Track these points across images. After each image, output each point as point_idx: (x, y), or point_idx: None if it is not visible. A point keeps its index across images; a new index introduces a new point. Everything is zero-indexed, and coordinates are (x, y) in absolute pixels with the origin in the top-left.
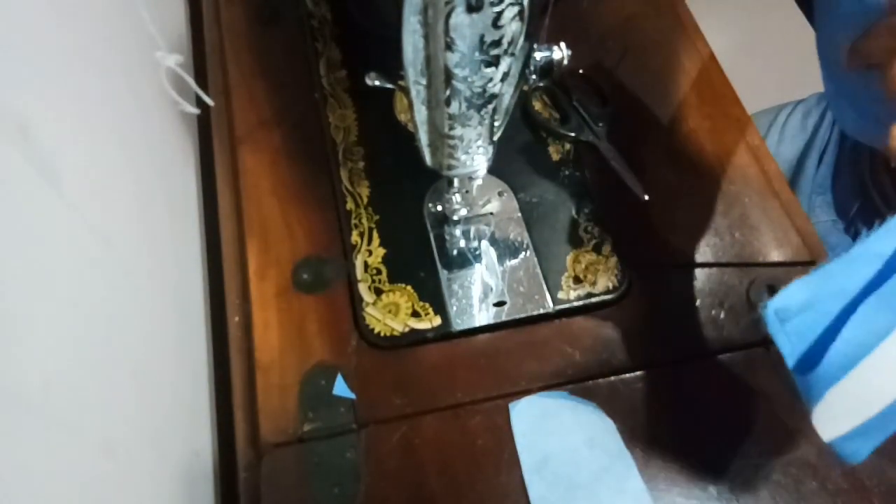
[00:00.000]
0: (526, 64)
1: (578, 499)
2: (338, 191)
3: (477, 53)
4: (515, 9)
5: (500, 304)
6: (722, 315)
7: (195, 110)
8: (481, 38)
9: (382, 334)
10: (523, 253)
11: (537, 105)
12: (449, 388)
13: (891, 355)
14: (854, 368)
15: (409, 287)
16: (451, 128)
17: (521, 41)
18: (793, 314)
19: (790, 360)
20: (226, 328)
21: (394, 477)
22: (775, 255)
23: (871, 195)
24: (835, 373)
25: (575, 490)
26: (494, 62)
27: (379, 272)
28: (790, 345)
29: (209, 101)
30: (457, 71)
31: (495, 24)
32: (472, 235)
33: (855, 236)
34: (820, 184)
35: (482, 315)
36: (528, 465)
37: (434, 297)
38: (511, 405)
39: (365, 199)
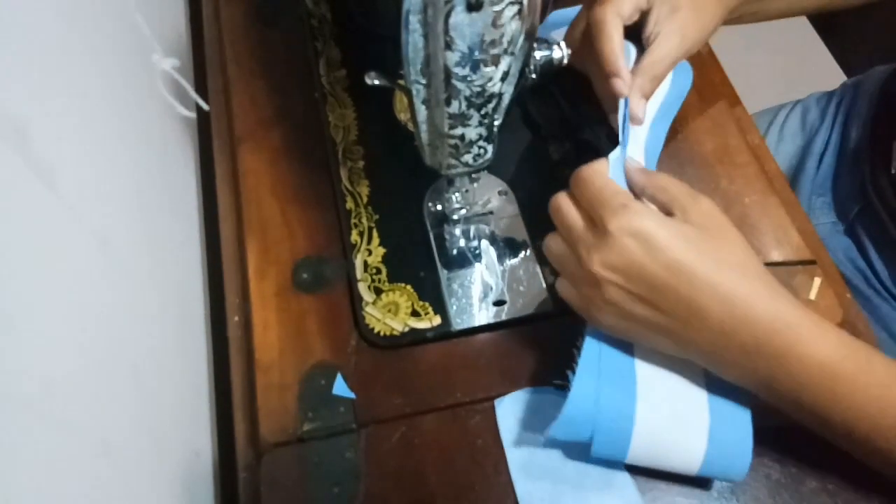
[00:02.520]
0: (526, 63)
1: (565, 494)
2: (337, 190)
3: (477, 53)
4: (515, 8)
5: (499, 303)
6: None
7: (191, 114)
8: (481, 37)
9: (382, 334)
10: (523, 252)
11: (537, 105)
12: (449, 387)
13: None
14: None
15: (408, 286)
16: (451, 127)
17: (520, 40)
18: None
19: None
20: (226, 328)
21: (394, 477)
22: (775, 255)
23: (871, 199)
24: (620, 446)
25: (561, 485)
26: (494, 61)
27: (379, 272)
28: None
29: (205, 105)
30: (457, 70)
31: (495, 23)
32: (471, 235)
33: (855, 239)
34: (820, 185)
35: (482, 315)
36: (514, 461)
37: (434, 296)
38: (497, 402)
39: (365, 199)
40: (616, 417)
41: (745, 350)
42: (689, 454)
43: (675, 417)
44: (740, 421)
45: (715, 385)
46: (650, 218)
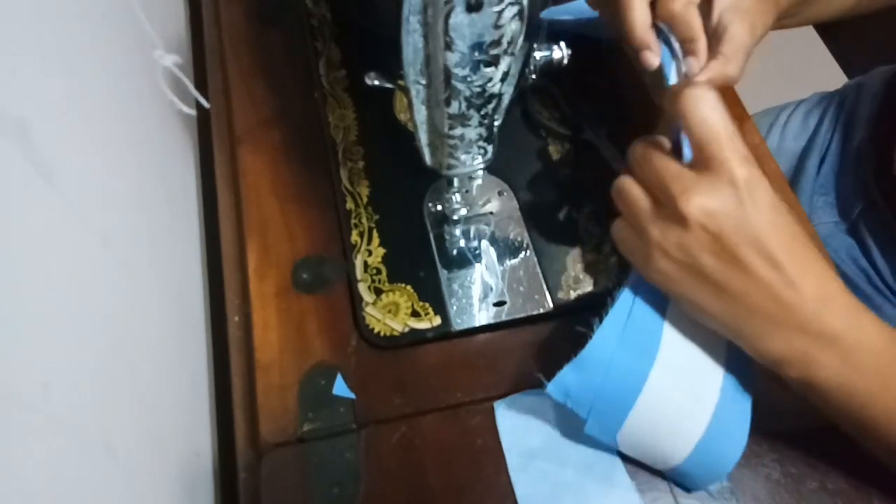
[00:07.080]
0: (526, 64)
1: (565, 495)
2: (337, 190)
3: (476, 53)
4: (515, 8)
5: (499, 303)
6: None
7: (191, 111)
8: (481, 37)
9: (382, 334)
10: (523, 253)
11: (537, 105)
12: (449, 387)
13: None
14: (631, 410)
15: (408, 287)
16: (451, 127)
17: (520, 41)
18: (569, 391)
19: (587, 422)
20: (226, 328)
21: (394, 477)
22: None
23: (875, 197)
24: (616, 419)
25: (561, 487)
26: (494, 62)
27: (379, 272)
28: (581, 409)
29: (205, 103)
30: (456, 71)
31: (495, 23)
32: (471, 235)
33: (858, 238)
34: (822, 185)
35: (482, 315)
36: (514, 463)
37: (434, 296)
38: (496, 404)
39: (365, 199)
40: (626, 375)
41: (790, 346)
42: (686, 433)
43: (686, 391)
44: (743, 413)
45: (733, 367)
46: None
